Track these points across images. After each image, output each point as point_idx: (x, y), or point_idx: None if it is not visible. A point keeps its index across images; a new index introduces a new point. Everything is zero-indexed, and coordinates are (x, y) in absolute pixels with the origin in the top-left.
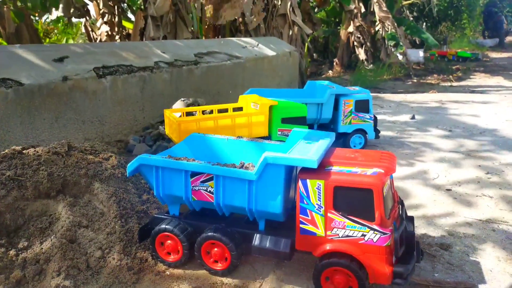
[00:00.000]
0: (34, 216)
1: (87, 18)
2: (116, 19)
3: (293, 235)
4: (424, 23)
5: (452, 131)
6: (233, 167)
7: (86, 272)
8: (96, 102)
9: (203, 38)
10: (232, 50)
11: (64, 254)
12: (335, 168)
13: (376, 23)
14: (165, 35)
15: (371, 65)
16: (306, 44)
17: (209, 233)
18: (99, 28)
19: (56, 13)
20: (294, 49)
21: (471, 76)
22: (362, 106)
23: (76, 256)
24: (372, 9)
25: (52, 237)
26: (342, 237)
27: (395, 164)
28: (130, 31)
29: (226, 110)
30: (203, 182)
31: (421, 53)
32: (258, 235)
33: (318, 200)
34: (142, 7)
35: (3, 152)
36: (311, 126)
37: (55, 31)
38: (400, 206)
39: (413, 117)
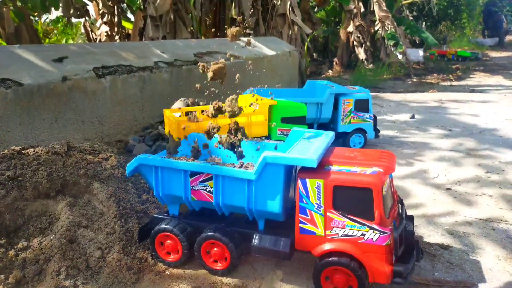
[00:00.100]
0: (34, 216)
1: (87, 18)
2: (116, 19)
3: (293, 235)
4: (424, 23)
5: (452, 130)
6: (233, 167)
7: (85, 272)
8: (95, 102)
9: (203, 38)
10: (231, 50)
11: (64, 254)
12: (334, 168)
13: (376, 23)
14: (165, 35)
15: (371, 65)
16: (306, 43)
17: (209, 233)
18: (98, 28)
19: (55, 13)
20: (294, 49)
21: (471, 76)
22: (361, 106)
23: (76, 256)
24: (371, 9)
25: (51, 237)
26: (341, 236)
27: (395, 163)
28: (130, 31)
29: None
30: (202, 182)
31: (421, 52)
32: (257, 235)
33: (318, 199)
34: (142, 7)
35: (3, 153)
36: (310, 126)
37: (55, 31)
38: (400, 205)
39: (412, 117)
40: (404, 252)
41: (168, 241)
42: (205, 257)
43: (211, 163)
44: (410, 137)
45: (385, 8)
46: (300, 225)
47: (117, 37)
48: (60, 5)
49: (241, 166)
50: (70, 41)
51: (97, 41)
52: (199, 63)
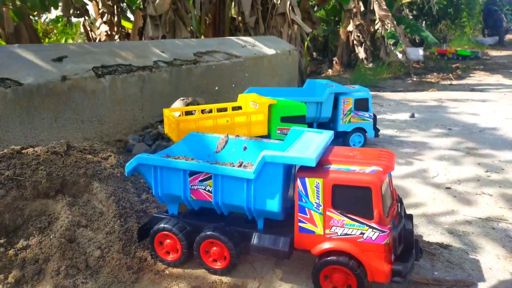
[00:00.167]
0: (33, 216)
1: (86, 18)
2: (115, 19)
3: (292, 234)
4: (424, 22)
5: (452, 129)
6: (232, 166)
7: (85, 272)
8: (95, 102)
9: (202, 37)
10: (231, 49)
11: (63, 254)
12: (333, 167)
13: (376, 22)
14: (164, 35)
15: (371, 64)
16: (306, 43)
17: (208, 232)
18: (98, 28)
19: (55, 13)
20: (294, 48)
21: (471, 75)
22: (361, 105)
23: (75, 256)
24: (371, 8)
25: (51, 236)
26: (340, 235)
27: (394, 162)
28: (129, 31)
29: (225, 109)
30: (201, 181)
31: (420, 51)
32: (257, 234)
33: (317, 198)
34: (141, 6)
35: (2, 152)
36: (310, 125)
37: (55, 31)
38: (399, 204)
39: (412, 116)
40: (404, 251)
41: (168, 241)
42: (205, 257)
43: (210, 163)
44: (410, 136)
45: (385, 7)
46: (299, 224)
47: (116, 37)
48: (60, 4)
49: (240, 166)
50: (70, 41)
51: (97, 41)
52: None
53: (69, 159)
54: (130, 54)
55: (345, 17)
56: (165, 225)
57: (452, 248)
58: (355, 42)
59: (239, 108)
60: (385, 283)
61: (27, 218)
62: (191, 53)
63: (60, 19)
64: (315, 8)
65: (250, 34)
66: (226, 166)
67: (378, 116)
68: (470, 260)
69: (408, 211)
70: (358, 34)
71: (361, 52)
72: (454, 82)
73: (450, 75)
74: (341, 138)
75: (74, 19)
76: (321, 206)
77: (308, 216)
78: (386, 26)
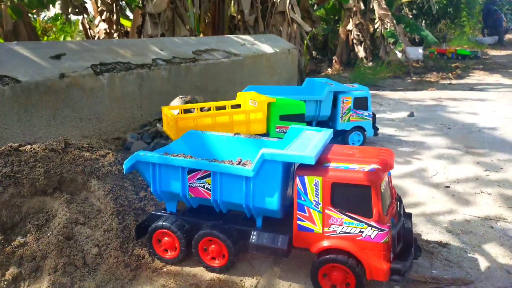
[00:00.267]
0: (31, 213)
1: (85, 15)
2: (114, 17)
3: (291, 232)
4: (424, 21)
5: (451, 128)
6: (231, 164)
7: (83, 269)
8: (93, 100)
9: (201, 35)
10: (230, 47)
11: (61, 251)
12: (332, 165)
13: (375, 21)
14: (163, 33)
15: (370, 63)
16: (305, 41)
17: (206, 230)
18: (97, 26)
19: (54, 11)
20: (293, 47)
21: (470, 74)
22: (360, 103)
23: (73, 253)
24: (371, 7)
25: (48, 234)
26: (339, 233)
27: (393, 160)
28: (128, 29)
29: (224, 107)
30: (200, 179)
31: (420, 50)
32: (255, 232)
33: (316, 196)
34: (140, 4)
35: (0, 149)
36: (309, 124)
37: (53, 29)
38: (398, 202)
39: (412, 115)
40: (402, 250)
41: (166, 238)
42: (203, 254)
43: (208, 160)
44: (409, 135)
45: (384, 6)
46: (298, 222)
47: (115, 35)
48: (58, 2)
49: (239, 163)
50: (68, 39)
51: (96, 39)
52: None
53: (67, 157)
54: (129, 52)
55: (345, 16)
56: (163, 223)
57: (451, 246)
58: (354, 41)
59: (238, 106)
60: (384, 281)
61: (24, 215)
62: (190, 51)
63: (59, 17)
64: (315, 7)
65: (250, 33)
66: (225, 163)
67: (377, 115)
68: (468, 259)
69: (407, 210)
70: (358, 33)
71: (360, 51)
72: (454, 81)
73: (450, 74)
74: (340, 137)
75: (73, 17)
76: (320, 204)
77: (307, 214)
78: (385, 25)
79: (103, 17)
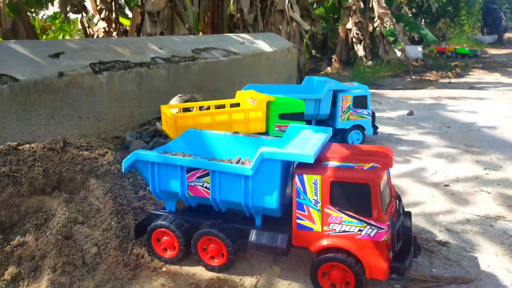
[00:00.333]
0: (30, 213)
1: (84, 14)
2: (113, 15)
3: (290, 231)
4: (423, 20)
5: (450, 127)
6: (229, 163)
7: (82, 269)
8: (92, 98)
9: (200, 34)
10: (229, 46)
11: (60, 251)
12: (332, 163)
13: (375, 20)
14: (162, 31)
15: (370, 62)
16: (305, 40)
17: (206, 229)
18: (96, 25)
19: (53, 9)
20: (292, 45)
21: (470, 73)
22: (360, 102)
23: (72, 253)
24: (370, 6)
25: (47, 233)
26: (339, 232)
27: (392, 159)
28: (128, 28)
29: (223, 106)
30: (199, 177)
31: (420, 49)
32: (254, 231)
33: (315, 195)
34: (139, 3)
35: None
36: (309, 122)
37: (52, 27)
38: (397, 201)
39: (411, 113)
40: (402, 248)
41: (165, 238)
42: (202, 254)
43: (207, 159)
44: (408, 134)
45: (384, 5)
46: (297, 221)
47: (114, 34)
48: (57, 1)
49: (238, 162)
50: (67, 38)
51: (95, 37)
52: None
53: (65, 156)
54: (128, 50)
55: (344, 14)
56: (162, 222)
57: (450, 245)
58: (354, 39)
59: (237, 105)
60: (383, 280)
61: (23, 214)
62: (189, 49)
63: (58, 16)
64: (314, 6)
65: (249, 31)
66: (224, 162)
67: (377, 114)
68: (468, 257)
69: (406, 209)
70: (357, 32)
71: (360, 50)
72: (453, 80)
73: (449, 73)
74: (339, 135)
75: (72, 16)
76: (319, 203)
77: (306, 213)
78: (385, 24)
79: (102, 15)
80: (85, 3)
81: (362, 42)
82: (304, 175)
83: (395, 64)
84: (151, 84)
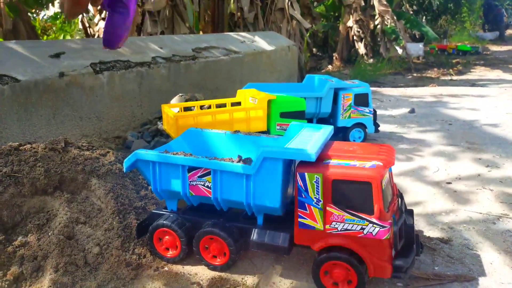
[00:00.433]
0: (32, 213)
1: (85, 14)
2: None
3: (292, 229)
4: (424, 17)
5: (452, 124)
6: (231, 162)
7: (84, 269)
8: (93, 98)
9: (201, 33)
10: (230, 45)
11: (62, 251)
12: (333, 162)
13: (376, 17)
14: (163, 31)
15: (371, 60)
16: (305, 38)
17: (207, 228)
18: (96, 25)
19: (53, 10)
20: (293, 44)
21: (471, 70)
22: (361, 100)
23: (74, 253)
24: (371, 3)
25: (49, 233)
26: (341, 230)
27: (394, 156)
28: None
29: (224, 105)
30: (200, 177)
31: (421, 46)
32: (256, 230)
33: (317, 193)
34: (140, 2)
35: (0, 149)
36: (310, 121)
37: (53, 28)
38: (399, 199)
39: (412, 111)
40: (404, 246)
41: (167, 237)
42: (204, 253)
43: (209, 158)
44: (410, 132)
45: (385, 3)
46: (299, 219)
47: None
48: (57, 1)
49: (239, 161)
50: (68, 38)
51: (95, 37)
52: None
53: (67, 156)
54: (128, 50)
55: (345, 12)
56: (164, 222)
57: (453, 243)
58: (355, 37)
59: (238, 103)
60: (386, 278)
61: (25, 215)
62: (190, 49)
63: (59, 16)
64: (315, 4)
65: (249, 30)
66: (225, 161)
67: (378, 112)
68: (470, 255)
69: (408, 206)
70: (358, 30)
71: (361, 48)
72: (455, 77)
73: (451, 70)
74: (341, 134)
75: None
76: (321, 201)
77: (308, 212)
78: (386, 22)
79: (103, 15)
80: None
81: (363, 40)
82: (306, 174)
83: (396, 62)
84: (152, 83)
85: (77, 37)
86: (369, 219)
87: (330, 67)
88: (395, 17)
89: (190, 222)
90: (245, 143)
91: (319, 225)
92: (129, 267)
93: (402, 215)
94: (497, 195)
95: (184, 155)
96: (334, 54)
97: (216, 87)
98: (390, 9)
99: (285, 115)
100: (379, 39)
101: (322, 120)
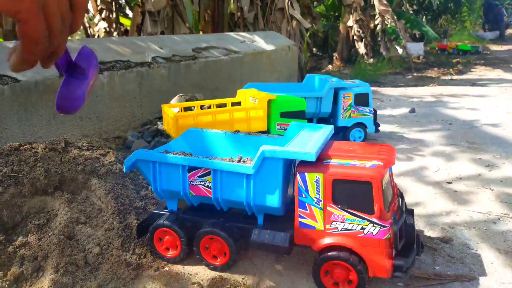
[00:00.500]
0: (32, 213)
1: (85, 14)
2: (114, 15)
3: (292, 229)
4: (424, 17)
5: (453, 124)
6: (231, 162)
7: (84, 269)
8: (93, 98)
9: (201, 33)
10: (230, 44)
11: (62, 251)
12: (333, 161)
13: (376, 17)
14: (163, 31)
15: (371, 59)
16: (305, 38)
17: (207, 228)
18: (96, 25)
19: None
20: (293, 44)
21: (472, 69)
22: (361, 100)
23: (74, 253)
24: (371, 3)
25: (50, 233)
26: (341, 230)
27: (394, 156)
28: (128, 28)
29: (224, 105)
30: (200, 176)
31: (421, 46)
32: (256, 230)
33: (317, 193)
34: (140, 3)
35: (0, 149)
36: (310, 121)
37: None
38: (400, 199)
39: (413, 111)
40: (405, 246)
41: (167, 237)
42: (204, 253)
43: (209, 158)
44: (410, 132)
45: (385, 2)
46: (299, 219)
47: (115, 33)
48: None
49: (239, 161)
50: (69, 38)
51: (95, 37)
52: None
53: (67, 156)
54: (128, 50)
55: (345, 12)
56: (164, 221)
57: (454, 243)
58: (355, 37)
59: (238, 103)
60: (386, 278)
61: (25, 215)
62: (190, 49)
63: None
64: (315, 3)
65: (249, 30)
66: (225, 161)
67: (378, 111)
68: (471, 255)
69: (409, 206)
70: (358, 29)
71: (361, 48)
72: (455, 77)
73: (451, 70)
74: (341, 133)
75: None
76: (321, 201)
77: (308, 212)
78: (386, 21)
79: (103, 15)
80: None
81: (363, 40)
82: (306, 173)
83: (397, 62)
84: (152, 83)
85: (77, 37)
86: (369, 218)
87: (330, 67)
88: (395, 17)
89: (191, 222)
90: (245, 143)
91: (319, 225)
92: (129, 267)
93: (403, 214)
94: (498, 195)
95: (184, 155)
96: (334, 54)
97: (216, 87)
98: (390, 9)
99: (285, 115)
100: (379, 38)
101: (322, 120)
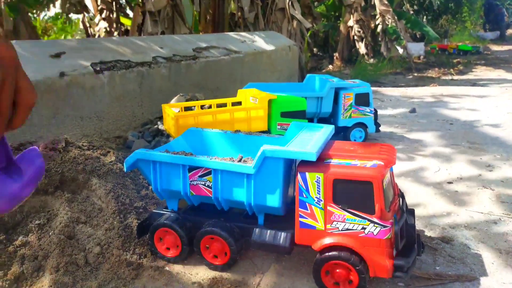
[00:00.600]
0: (32, 213)
1: (86, 14)
2: (114, 15)
3: (293, 229)
4: (425, 17)
5: (453, 124)
6: (231, 161)
7: (84, 268)
8: (94, 98)
9: (201, 33)
10: (230, 44)
11: (63, 250)
12: (334, 161)
13: (377, 17)
14: (163, 31)
15: (372, 59)
16: (306, 38)
17: (208, 228)
18: (97, 25)
19: (54, 10)
20: (294, 44)
21: (472, 70)
22: (362, 100)
23: (75, 252)
24: (372, 3)
25: (50, 233)
26: (342, 230)
27: (395, 156)
28: (129, 27)
29: (224, 105)
30: (201, 176)
31: (422, 46)
32: (257, 230)
33: (318, 193)
34: (140, 3)
35: None
36: (311, 120)
37: (54, 28)
38: (401, 198)
39: (413, 111)
40: (405, 246)
41: (167, 237)
42: (205, 252)
43: (209, 158)
44: (410, 132)
45: (385, 2)
46: (300, 219)
47: (115, 33)
48: (58, 1)
49: (240, 160)
50: (69, 38)
51: (96, 37)
52: None
53: (67, 156)
54: (129, 50)
55: (346, 12)
56: (165, 221)
57: (454, 243)
58: (355, 37)
59: (239, 103)
60: (387, 278)
61: (26, 214)
62: (190, 48)
63: (60, 16)
64: (315, 3)
65: (250, 30)
66: (225, 161)
67: (379, 111)
68: (472, 255)
69: (409, 206)
70: (359, 29)
71: (361, 48)
72: (456, 77)
73: (452, 70)
74: (342, 133)
75: (74, 16)
76: (322, 201)
77: (309, 211)
78: (387, 21)
79: (103, 15)
80: (85, 3)
81: (364, 40)
82: (307, 173)
83: (397, 62)
84: (152, 83)
85: (77, 37)
86: (370, 218)
87: (330, 66)
88: (396, 17)
89: (191, 221)
90: (245, 143)
91: (320, 225)
92: (129, 266)
93: (403, 214)
94: (498, 195)
95: (185, 155)
96: (334, 54)
97: (217, 87)
98: (391, 9)
99: (286, 114)
100: (380, 39)
101: (323, 120)
